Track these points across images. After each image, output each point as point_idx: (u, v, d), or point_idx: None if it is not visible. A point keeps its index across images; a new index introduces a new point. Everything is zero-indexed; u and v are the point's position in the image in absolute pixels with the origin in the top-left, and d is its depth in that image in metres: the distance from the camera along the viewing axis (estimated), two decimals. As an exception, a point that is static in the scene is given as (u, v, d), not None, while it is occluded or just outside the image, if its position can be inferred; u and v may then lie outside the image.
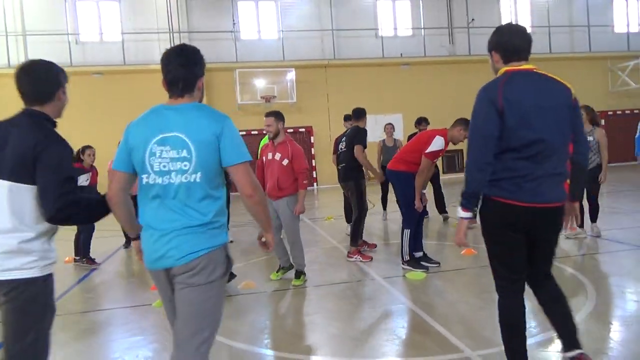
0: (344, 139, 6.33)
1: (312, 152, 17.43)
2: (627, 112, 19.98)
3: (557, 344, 2.78)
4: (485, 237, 2.64)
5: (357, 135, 6.01)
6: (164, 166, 2.06)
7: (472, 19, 19.05)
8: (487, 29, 19.04)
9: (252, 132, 16.16)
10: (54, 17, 16.60)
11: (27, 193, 2.08)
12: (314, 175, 17.48)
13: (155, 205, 2.09)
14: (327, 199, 13.98)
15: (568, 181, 2.62)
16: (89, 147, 6.83)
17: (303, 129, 17.62)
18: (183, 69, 2.17)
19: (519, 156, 2.44)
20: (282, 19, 18.16)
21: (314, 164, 17.44)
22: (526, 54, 2.60)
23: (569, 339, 2.59)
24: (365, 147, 5.99)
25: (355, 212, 6.08)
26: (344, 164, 6.13)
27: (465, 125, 5.11)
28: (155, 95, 14.89)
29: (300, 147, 5.18)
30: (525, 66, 2.57)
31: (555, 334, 2.67)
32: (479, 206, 2.62)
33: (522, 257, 2.56)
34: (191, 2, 17.41)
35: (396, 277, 5.23)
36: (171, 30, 17.29)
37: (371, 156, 8.18)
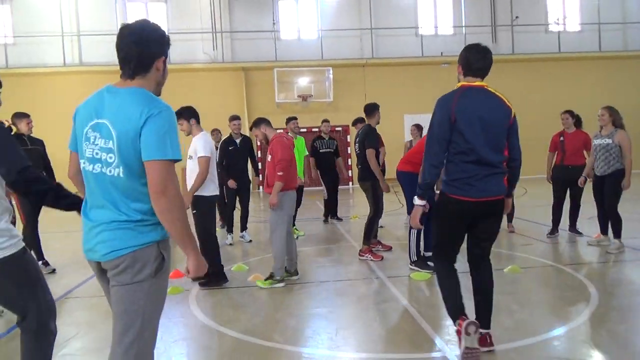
0: (357, 139, 6.37)
1: (349, 151, 17.52)
2: (684, 114, 18.83)
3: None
4: (436, 224, 3.30)
5: (367, 137, 6.02)
6: (96, 153, 1.95)
7: (517, 17, 18.50)
8: (532, 27, 18.61)
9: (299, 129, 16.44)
10: (106, 18, 17.50)
11: None
12: (349, 174, 17.56)
13: (88, 193, 2.03)
14: (362, 197, 14.02)
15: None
16: None
17: (340, 128, 17.72)
18: (136, 46, 1.99)
19: (468, 159, 3.02)
20: (322, 18, 18.33)
21: (349, 163, 17.54)
22: (483, 72, 3.12)
23: (482, 317, 3.19)
24: (376, 148, 6.00)
25: (371, 211, 6.17)
26: (360, 166, 6.14)
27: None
28: (199, 93, 15.85)
29: (283, 140, 5.11)
30: (478, 83, 3.11)
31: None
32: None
33: (461, 242, 3.24)
34: (233, 2, 17.89)
35: (402, 276, 5.28)
36: (214, 30, 17.86)
37: (397, 154, 8.30)
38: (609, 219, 6.05)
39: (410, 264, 5.53)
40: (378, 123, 6.22)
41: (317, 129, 17.87)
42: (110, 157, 1.92)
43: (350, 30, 18.27)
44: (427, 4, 18.91)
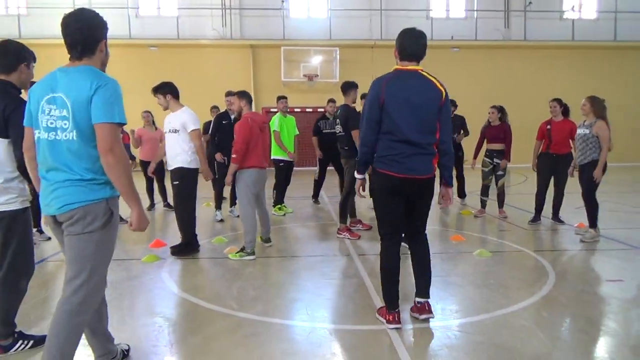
0: (338, 120, 6.31)
1: (353, 132, 17.54)
2: (700, 107, 18.40)
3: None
4: (374, 199, 3.50)
5: (349, 118, 5.98)
6: (51, 123, 2.27)
7: (530, 2, 18.13)
8: (546, 14, 18.20)
9: (295, 110, 16.50)
10: (117, -9, 17.61)
11: (2, 145, 2.76)
12: (353, 156, 17.60)
13: (42, 160, 2.33)
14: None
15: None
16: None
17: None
18: (80, 32, 2.31)
19: (395, 138, 3.19)
20: (332, -3, 18.19)
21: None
22: (416, 57, 3.24)
23: (422, 288, 3.45)
24: (358, 127, 5.99)
25: (346, 188, 6.24)
26: (346, 147, 6.12)
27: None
28: (206, 69, 15.92)
29: (247, 121, 5.31)
30: (411, 67, 3.23)
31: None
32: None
33: (399, 216, 3.35)
34: (244, -21, 17.82)
35: (372, 255, 5.41)
36: (223, 6, 17.84)
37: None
38: (585, 207, 6.05)
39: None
40: (354, 102, 6.21)
41: (322, 109, 18.02)
42: (65, 124, 2.25)
43: (360, 10, 18.12)
44: (439, -14, 18.61)
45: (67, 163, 2.26)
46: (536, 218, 7.06)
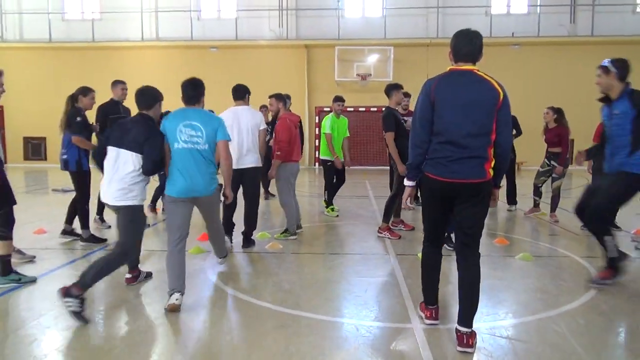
0: None
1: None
2: None
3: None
4: (422, 202, 3.43)
5: (384, 121, 6.04)
6: (190, 137, 3.86)
7: (599, -5, 17.14)
8: (616, 7, 17.13)
9: (349, 109, 16.56)
10: (181, -4, 18.46)
11: (137, 158, 3.80)
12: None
13: (182, 163, 3.86)
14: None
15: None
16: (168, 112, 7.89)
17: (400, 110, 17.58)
18: (194, 90, 4.10)
19: (442, 140, 3.06)
20: (388, -4, 18.09)
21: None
22: (472, 57, 3.11)
23: (464, 315, 3.09)
24: (394, 131, 5.96)
25: (394, 190, 6.25)
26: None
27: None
28: (263, 66, 16.45)
29: (286, 121, 6.01)
30: (465, 67, 3.10)
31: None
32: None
33: (442, 223, 3.30)
34: (301, -20, 18.11)
35: (410, 255, 5.42)
36: (280, 7, 18.23)
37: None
38: None
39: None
40: (399, 104, 6.22)
41: (375, 109, 17.98)
42: (200, 139, 3.90)
43: (416, 8, 17.89)
44: (500, -19, 18.02)
45: (199, 164, 3.89)
46: (589, 223, 6.73)
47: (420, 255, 5.18)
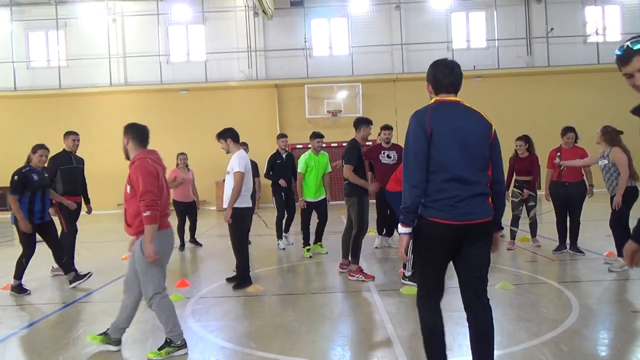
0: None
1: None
2: None
3: None
4: (416, 252, 2.89)
5: (347, 153, 6.00)
6: None
7: (552, 29, 18.14)
8: (568, 39, 18.14)
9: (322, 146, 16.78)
10: (149, 40, 18.63)
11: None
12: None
13: None
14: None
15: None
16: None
17: (370, 143, 17.89)
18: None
19: (446, 177, 2.70)
20: (353, 35, 18.69)
21: (379, 177, 17.63)
22: (454, 87, 2.88)
23: None
24: (355, 164, 5.96)
25: (355, 227, 6.05)
26: (347, 181, 6.10)
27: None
28: (234, 109, 16.62)
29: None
30: (451, 98, 2.87)
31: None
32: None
33: (443, 272, 2.83)
34: (268, 23, 18.57)
35: (390, 290, 5.42)
36: (249, 49, 18.58)
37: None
38: (613, 235, 5.94)
39: (404, 279, 5.65)
40: (365, 139, 6.16)
41: (346, 144, 18.27)
42: None
43: (381, 46, 18.51)
44: (459, 18, 18.90)
45: None
46: (560, 247, 6.94)
47: (404, 290, 5.26)
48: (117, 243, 8.16)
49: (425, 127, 2.72)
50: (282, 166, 8.39)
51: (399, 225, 2.80)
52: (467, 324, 2.83)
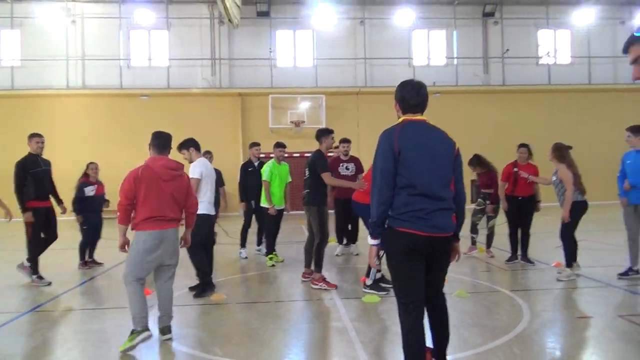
0: (306, 164, 6.31)
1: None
2: (674, 146, 19.06)
3: None
4: (390, 265, 3.03)
5: (317, 163, 6.05)
6: None
7: (507, 50, 19.01)
8: (523, 60, 19.06)
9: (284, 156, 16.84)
10: (110, 44, 18.25)
11: None
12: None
13: None
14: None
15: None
16: (92, 163, 7.87)
17: (332, 153, 18.10)
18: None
19: (414, 192, 2.89)
20: (318, 47, 18.95)
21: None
22: (421, 107, 3.08)
23: (438, 350, 3.19)
24: (328, 170, 6.08)
25: (317, 237, 6.12)
26: (307, 190, 6.19)
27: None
28: (197, 117, 16.48)
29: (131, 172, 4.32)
30: (418, 117, 3.07)
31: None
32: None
33: (422, 281, 2.96)
34: (233, 32, 18.55)
35: (354, 298, 5.55)
36: (213, 57, 18.51)
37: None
38: (563, 246, 6.28)
39: (365, 287, 5.78)
40: (329, 149, 6.28)
41: (309, 154, 18.40)
42: None
43: (344, 59, 18.85)
44: (420, 35, 19.51)
45: None
46: (512, 258, 7.30)
47: (366, 299, 5.40)
48: (71, 251, 7.91)
49: (393, 146, 2.90)
50: (253, 174, 8.37)
51: (369, 238, 3.00)
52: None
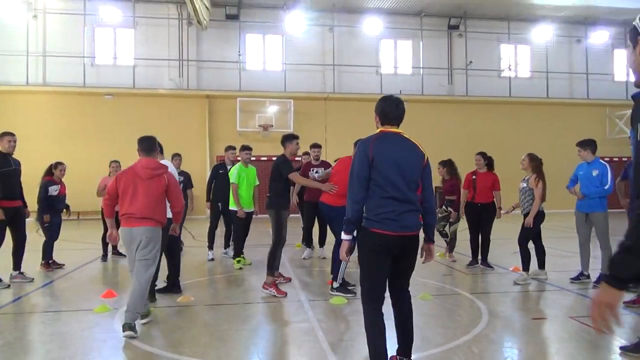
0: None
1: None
2: (624, 159, 20.11)
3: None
4: (361, 260, 3.38)
5: (282, 167, 6.05)
6: None
7: (471, 62, 19.66)
8: (485, 72, 19.77)
9: (251, 159, 16.81)
10: (73, 40, 17.78)
11: None
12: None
13: None
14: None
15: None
16: (61, 163, 7.69)
17: (299, 157, 18.20)
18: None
19: (385, 195, 3.24)
20: (287, 52, 19.06)
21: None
22: (398, 120, 3.42)
23: (403, 346, 3.45)
24: (293, 171, 6.13)
25: (273, 239, 6.09)
26: (269, 194, 6.22)
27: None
28: (163, 118, 16.24)
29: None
30: (393, 129, 3.41)
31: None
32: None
33: (386, 277, 3.33)
34: (201, 33, 18.44)
35: (320, 300, 5.66)
36: (181, 58, 18.32)
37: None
38: (520, 251, 6.58)
39: (332, 290, 5.90)
40: (293, 154, 6.28)
41: (275, 158, 18.48)
42: None
43: (313, 65, 19.03)
44: (388, 45, 19.93)
45: None
46: (472, 262, 7.60)
47: (333, 301, 5.52)
48: (29, 253, 7.70)
49: (368, 154, 3.25)
50: (224, 176, 8.30)
51: (342, 234, 3.33)
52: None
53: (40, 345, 4.26)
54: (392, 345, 3.40)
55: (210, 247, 8.47)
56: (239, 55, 18.48)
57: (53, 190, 7.40)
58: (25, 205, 6.72)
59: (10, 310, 5.36)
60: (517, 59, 20.62)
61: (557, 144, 18.88)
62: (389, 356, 3.28)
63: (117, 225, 4.70)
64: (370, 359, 3.25)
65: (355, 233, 3.35)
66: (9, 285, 6.27)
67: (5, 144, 6.36)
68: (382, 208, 3.21)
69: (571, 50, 20.87)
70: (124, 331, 4.27)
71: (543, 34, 20.21)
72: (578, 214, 6.48)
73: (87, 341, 4.31)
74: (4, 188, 6.19)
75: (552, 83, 20.36)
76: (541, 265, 6.69)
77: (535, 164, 6.61)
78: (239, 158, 8.19)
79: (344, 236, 3.32)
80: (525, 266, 6.53)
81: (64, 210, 7.79)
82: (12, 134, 6.47)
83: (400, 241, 3.23)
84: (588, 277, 6.42)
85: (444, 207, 8.38)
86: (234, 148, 8.76)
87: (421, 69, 19.75)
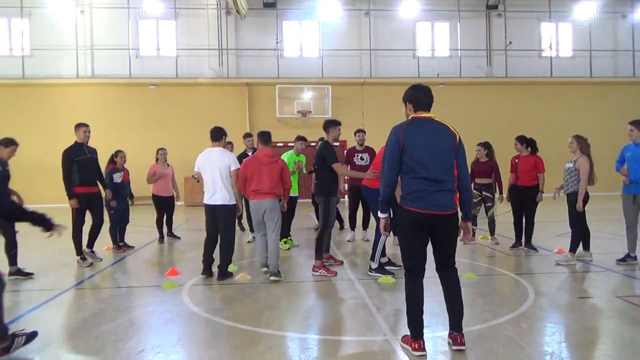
0: (315, 155, 6.46)
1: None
2: (672, 139, 19.45)
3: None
4: (399, 235, 3.73)
5: (326, 154, 6.17)
6: None
7: (510, 42, 19.31)
8: (525, 52, 19.37)
9: (289, 144, 17.17)
10: (118, 33, 18.50)
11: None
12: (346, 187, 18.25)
13: None
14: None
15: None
16: (120, 151, 8.25)
17: (337, 143, 18.46)
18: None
19: (417, 176, 3.55)
20: (323, 38, 19.22)
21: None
22: (428, 107, 3.72)
23: (454, 320, 3.69)
24: (337, 161, 6.21)
25: (321, 225, 6.34)
26: (316, 181, 6.45)
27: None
28: (202, 105, 16.84)
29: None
30: (425, 115, 3.69)
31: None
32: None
33: (423, 251, 3.62)
34: (240, 22, 18.82)
35: (368, 279, 5.96)
36: (220, 47, 18.77)
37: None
38: (572, 232, 6.69)
39: (370, 271, 6.13)
40: (335, 139, 6.43)
41: (315, 144, 18.76)
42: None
43: (350, 50, 19.13)
44: (424, 27, 19.79)
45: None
46: (516, 244, 7.72)
47: (381, 280, 5.80)
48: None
49: (399, 140, 3.55)
50: None
51: (379, 213, 3.76)
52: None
53: (122, 315, 4.71)
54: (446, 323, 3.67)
55: (252, 229, 8.82)
56: (277, 42, 18.77)
57: (117, 177, 7.94)
58: (105, 187, 7.41)
59: (88, 285, 5.91)
60: (558, 38, 20.12)
61: (601, 126, 18.46)
62: (424, 326, 3.60)
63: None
64: (408, 325, 3.63)
65: (391, 212, 3.67)
66: (92, 264, 6.92)
67: (81, 134, 6.91)
68: (414, 187, 3.52)
69: (616, 27, 20.16)
70: (270, 277, 5.89)
71: (586, 10, 19.60)
72: (625, 196, 6.51)
73: (164, 314, 4.75)
74: (81, 175, 6.73)
75: (596, 62, 19.79)
76: (586, 247, 6.77)
77: (584, 145, 6.64)
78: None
79: (380, 215, 3.75)
80: (572, 247, 6.63)
81: (128, 198, 8.35)
82: (86, 125, 7.00)
83: (431, 219, 3.49)
84: (635, 258, 6.46)
85: (474, 191, 8.37)
86: (251, 135, 9.11)
87: (459, 51, 19.56)
